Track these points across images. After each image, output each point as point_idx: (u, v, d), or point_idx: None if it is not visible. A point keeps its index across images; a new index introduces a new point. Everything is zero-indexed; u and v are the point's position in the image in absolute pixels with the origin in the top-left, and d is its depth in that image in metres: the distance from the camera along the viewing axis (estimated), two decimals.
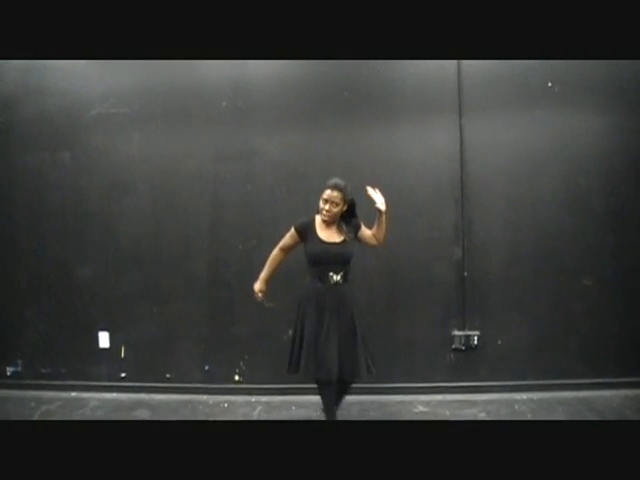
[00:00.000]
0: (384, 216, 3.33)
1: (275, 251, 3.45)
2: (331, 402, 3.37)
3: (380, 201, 3.30)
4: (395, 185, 4.21)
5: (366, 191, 3.32)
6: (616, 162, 4.23)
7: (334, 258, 3.24)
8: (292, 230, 3.36)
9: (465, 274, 4.23)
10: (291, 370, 3.35)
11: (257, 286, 3.48)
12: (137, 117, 4.36)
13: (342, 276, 3.26)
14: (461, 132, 4.22)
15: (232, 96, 4.32)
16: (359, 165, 4.24)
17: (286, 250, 3.43)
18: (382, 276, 4.16)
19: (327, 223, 3.31)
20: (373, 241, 3.45)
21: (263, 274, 3.48)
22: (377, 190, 3.34)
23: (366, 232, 3.44)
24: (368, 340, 3.34)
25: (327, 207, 3.24)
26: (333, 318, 3.22)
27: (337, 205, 3.24)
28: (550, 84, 4.21)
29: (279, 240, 4.07)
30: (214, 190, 4.35)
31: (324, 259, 3.24)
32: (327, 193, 3.23)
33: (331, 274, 3.23)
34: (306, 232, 3.31)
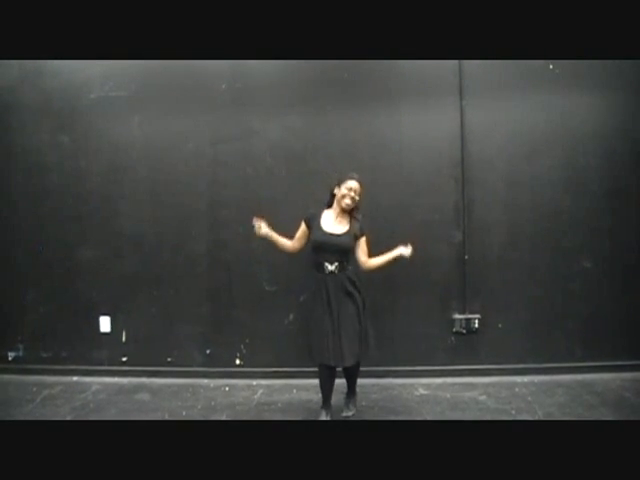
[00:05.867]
0: (392, 260, 3.42)
1: (290, 241, 3.53)
2: (328, 381, 3.45)
3: (406, 253, 3.39)
4: (395, 167, 4.24)
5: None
6: (615, 143, 4.21)
7: (329, 248, 3.31)
8: (302, 222, 3.47)
9: (466, 256, 4.23)
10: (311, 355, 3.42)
11: (265, 227, 3.48)
12: (136, 100, 4.34)
13: (337, 267, 3.31)
14: (462, 114, 4.20)
15: (231, 78, 4.29)
16: (359, 146, 4.25)
17: (297, 240, 3.50)
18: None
19: (341, 212, 3.39)
20: (360, 259, 3.44)
21: (274, 235, 3.50)
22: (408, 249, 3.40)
23: (362, 246, 3.44)
24: (366, 324, 3.39)
25: (352, 195, 3.32)
26: (333, 305, 3.28)
27: (359, 195, 3.34)
28: (551, 66, 4.18)
29: (279, 222, 4.11)
30: (213, 172, 4.34)
31: (319, 248, 3.33)
32: (352, 183, 3.33)
33: (326, 264, 3.30)
34: (312, 221, 3.41)
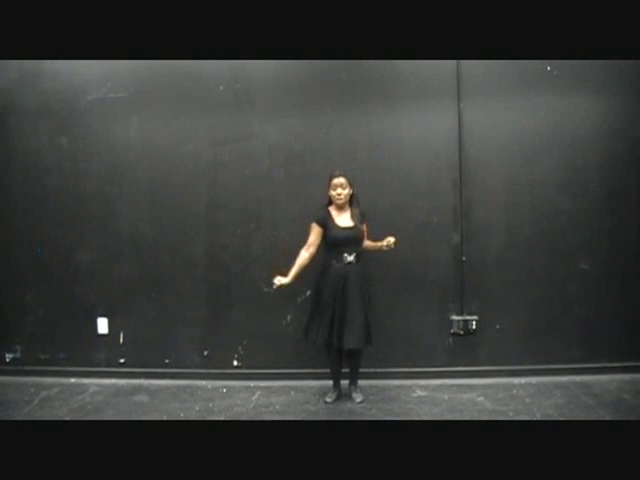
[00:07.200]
0: (378, 249, 3.78)
1: (303, 253, 3.72)
2: (337, 366, 3.87)
3: (388, 243, 3.67)
4: (394, 168, 4.25)
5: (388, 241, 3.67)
6: (614, 145, 4.21)
7: (348, 241, 3.65)
8: (314, 225, 3.71)
9: (463, 258, 4.23)
10: (310, 337, 3.73)
11: (283, 280, 3.69)
12: (135, 101, 4.34)
13: (355, 257, 3.64)
14: (460, 116, 4.21)
15: (230, 79, 4.29)
16: (357, 148, 4.26)
17: (313, 245, 3.72)
18: (380, 260, 4.11)
19: (340, 208, 3.71)
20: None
21: (293, 272, 3.70)
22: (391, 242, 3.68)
23: (365, 228, 3.82)
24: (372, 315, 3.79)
25: (338, 191, 3.66)
26: (347, 293, 3.60)
27: (345, 188, 3.66)
28: (549, 68, 4.19)
29: (278, 223, 4.17)
30: (212, 173, 4.33)
31: (340, 242, 3.63)
32: (335, 180, 3.67)
33: (345, 255, 3.63)
34: (326, 221, 3.69)
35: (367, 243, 3.83)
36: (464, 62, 4.17)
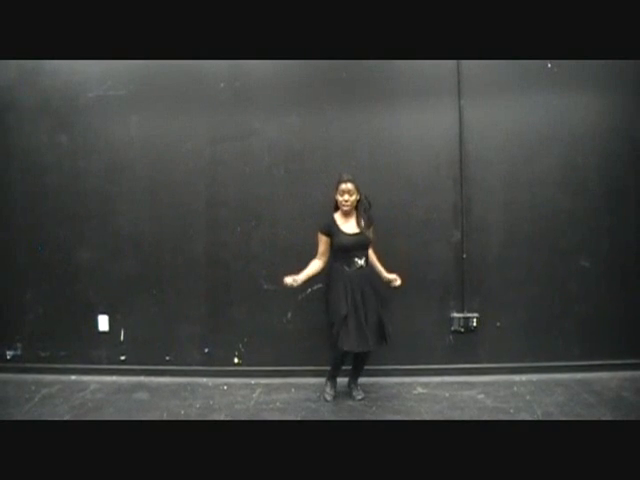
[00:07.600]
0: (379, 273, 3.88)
1: (316, 261, 3.75)
2: (342, 365, 3.87)
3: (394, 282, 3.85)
4: (394, 166, 4.24)
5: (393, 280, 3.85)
6: (614, 143, 4.21)
7: (355, 247, 3.65)
8: (320, 235, 3.73)
9: (464, 256, 4.23)
10: (340, 344, 3.62)
11: (295, 277, 3.62)
12: (135, 99, 4.33)
13: (364, 261, 3.69)
14: (460, 113, 4.20)
15: (229, 77, 4.28)
16: (357, 146, 4.25)
17: (324, 254, 3.75)
18: (381, 257, 4.12)
19: (346, 214, 3.71)
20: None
21: (305, 274, 3.68)
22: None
23: (373, 235, 3.78)
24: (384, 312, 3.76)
25: (345, 197, 3.65)
26: (363, 297, 3.62)
27: (353, 194, 3.65)
28: (549, 65, 4.18)
29: (277, 221, 4.18)
30: (212, 171, 4.33)
31: (349, 248, 3.64)
32: (343, 186, 3.65)
33: (356, 259, 3.65)
34: (331, 230, 3.69)
35: (377, 265, 3.86)
36: (464, 60, 4.15)
